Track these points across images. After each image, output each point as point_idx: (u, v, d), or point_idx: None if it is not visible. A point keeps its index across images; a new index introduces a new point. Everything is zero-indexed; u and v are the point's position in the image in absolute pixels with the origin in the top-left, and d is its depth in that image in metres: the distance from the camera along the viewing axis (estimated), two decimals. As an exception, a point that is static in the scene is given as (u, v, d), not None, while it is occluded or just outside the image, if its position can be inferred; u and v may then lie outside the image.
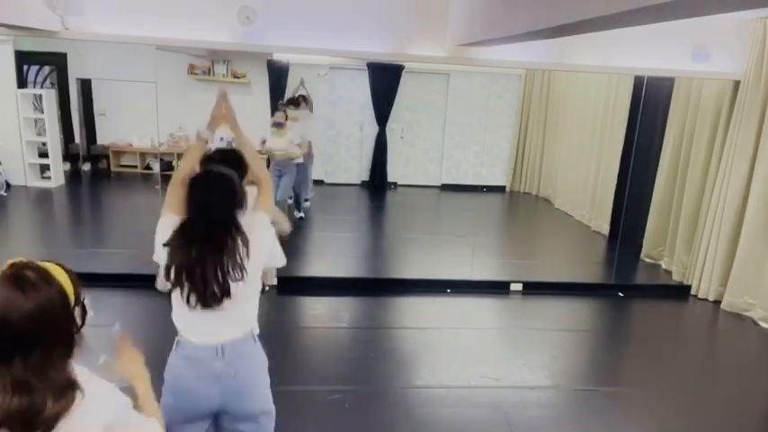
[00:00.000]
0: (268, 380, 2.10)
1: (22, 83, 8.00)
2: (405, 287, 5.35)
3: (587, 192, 7.73)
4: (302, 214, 7.16)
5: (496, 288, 5.41)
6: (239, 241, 1.92)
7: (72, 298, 1.23)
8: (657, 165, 6.25)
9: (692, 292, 5.58)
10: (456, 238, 6.63)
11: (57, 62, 8.33)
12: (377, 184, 8.86)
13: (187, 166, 2.12)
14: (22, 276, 1.16)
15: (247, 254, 1.93)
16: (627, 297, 5.51)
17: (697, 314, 5.37)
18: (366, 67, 8.81)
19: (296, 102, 8.06)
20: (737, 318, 5.14)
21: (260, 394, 2.05)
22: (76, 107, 8.52)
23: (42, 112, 7.77)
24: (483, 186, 9.03)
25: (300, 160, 6.47)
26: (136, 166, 8.91)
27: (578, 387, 3.84)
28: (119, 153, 8.85)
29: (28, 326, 1.13)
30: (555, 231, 7.73)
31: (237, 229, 1.93)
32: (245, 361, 1.99)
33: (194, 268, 1.87)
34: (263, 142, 6.00)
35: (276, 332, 4.26)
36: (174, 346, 1.99)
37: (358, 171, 9.35)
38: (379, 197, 9.08)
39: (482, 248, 6.24)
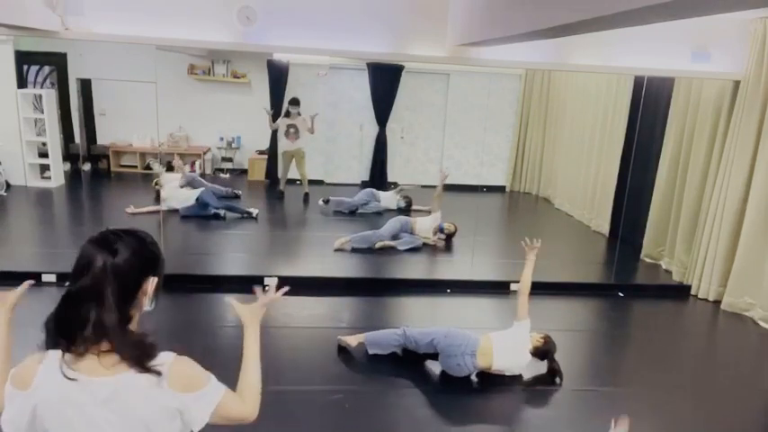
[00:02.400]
0: None
1: (22, 83, 8.00)
2: (405, 287, 5.35)
3: (587, 191, 7.73)
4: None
5: (496, 288, 5.40)
6: None
7: None
8: (657, 165, 6.24)
9: (692, 292, 5.59)
10: (456, 238, 6.64)
11: (57, 62, 8.32)
12: (377, 183, 8.85)
13: None
14: None
15: None
16: (627, 297, 5.51)
17: (697, 314, 5.37)
18: (366, 67, 8.82)
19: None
20: (737, 318, 5.14)
21: None
22: (76, 107, 8.50)
23: (42, 112, 7.76)
24: (483, 186, 9.02)
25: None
26: (136, 166, 8.91)
27: (578, 387, 3.84)
28: (119, 153, 8.85)
29: None
30: (555, 231, 7.73)
31: None
32: None
33: None
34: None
35: (276, 332, 4.26)
36: None
37: (358, 171, 9.35)
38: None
39: (482, 248, 6.24)
